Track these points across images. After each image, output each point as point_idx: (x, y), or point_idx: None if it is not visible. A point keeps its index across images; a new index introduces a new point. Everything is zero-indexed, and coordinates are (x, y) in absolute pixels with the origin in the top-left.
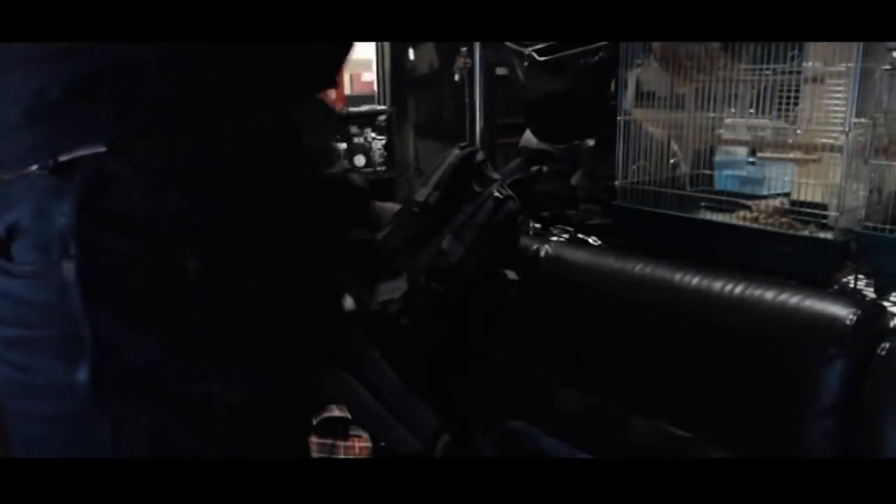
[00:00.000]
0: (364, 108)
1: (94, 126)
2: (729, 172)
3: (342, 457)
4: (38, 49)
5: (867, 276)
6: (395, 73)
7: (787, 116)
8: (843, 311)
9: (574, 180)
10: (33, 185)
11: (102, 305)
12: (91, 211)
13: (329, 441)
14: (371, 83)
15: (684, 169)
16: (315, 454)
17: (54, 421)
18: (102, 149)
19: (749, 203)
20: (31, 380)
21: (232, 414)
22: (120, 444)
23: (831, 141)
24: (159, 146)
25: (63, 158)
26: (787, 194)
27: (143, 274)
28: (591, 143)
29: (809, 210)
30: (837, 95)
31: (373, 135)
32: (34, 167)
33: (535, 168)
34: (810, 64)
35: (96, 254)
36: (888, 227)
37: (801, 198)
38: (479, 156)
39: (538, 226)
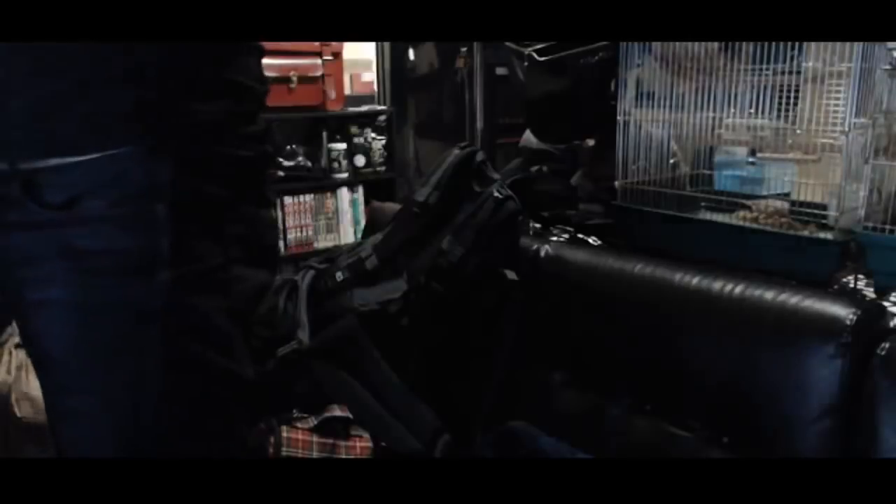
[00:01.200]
0: (364, 108)
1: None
2: (729, 172)
3: (343, 457)
4: (134, 63)
5: (867, 276)
6: (395, 73)
7: (787, 116)
8: (843, 311)
9: (574, 180)
10: (129, 158)
11: (180, 232)
12: (176, 171)
13: (330, 441)
14: (371, 83)
15: (684, 169)
16: (316, 454)
17: (117, 329)
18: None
19: (749, 203)
20: (105, 297)
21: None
22: (178, 335)
23: (831, 141)
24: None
25: (157, 141)
26: (787, 194)
27: (205, 210)
28: (591, 143)
29: (809, 210)
30: (837, 95)
31: (373, 135)
32: (129, 147)
33: (535, 168)
34: (810, 64)
35: (180, 199)
36: (888, 227)
37: (801, 198)
38: (479, 156)
39: (538, 226)
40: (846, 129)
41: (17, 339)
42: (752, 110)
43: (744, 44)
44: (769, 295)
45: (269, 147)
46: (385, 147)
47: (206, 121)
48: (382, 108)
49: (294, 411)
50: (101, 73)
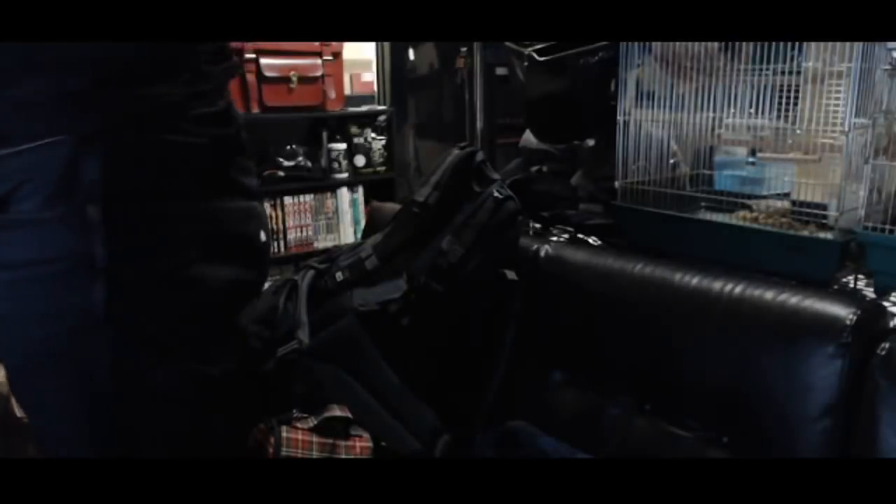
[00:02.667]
0: (364, 108)
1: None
2: (729, 172)
3: (343, 457)
4: (68, 49)
5: (867, 276)
6: (395, 73)
7: (787, 116)
8: (843, 311)
9: (574, 180)
10: (59, 150)
11: (120, 235)
12: (111, 165)
13: (330, 441)
14: (371, 83)
15: (684, 169)
16: (316, 454)
17: (58, 338)
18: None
19: (749, 203)
20: (42, 307)
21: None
22: (134, 338)
23: (831, 141)
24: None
25: (89, 131)
26: (786, 194)
27: (149, 207)
28: (591, 143)
29: (809, 210)
30: (837, 95)
31: (373, 135)
32: (61, 137)
33: (535, 168)
34: (810, 64)
35: (117, 197)
36: (888, 227)
37: (801, 198)
38: (479, 156)
39: (538, 226)
40: (846, 129)
41: None
42: (752, 110)
43: (744, 44)
44: (769, 295)
45: (231, 130)
46: (385, 147)
47: (147, 106)
48: (382, 108)
49: (294, 411)
50: (30, 58)
